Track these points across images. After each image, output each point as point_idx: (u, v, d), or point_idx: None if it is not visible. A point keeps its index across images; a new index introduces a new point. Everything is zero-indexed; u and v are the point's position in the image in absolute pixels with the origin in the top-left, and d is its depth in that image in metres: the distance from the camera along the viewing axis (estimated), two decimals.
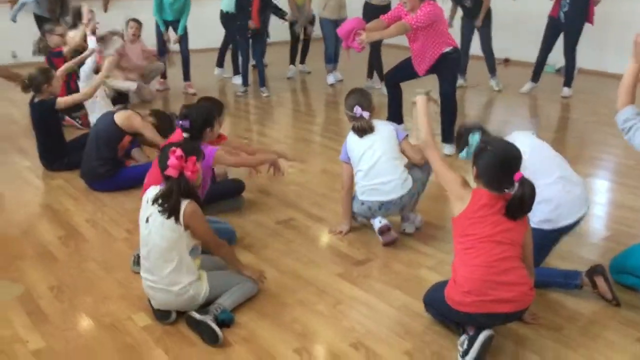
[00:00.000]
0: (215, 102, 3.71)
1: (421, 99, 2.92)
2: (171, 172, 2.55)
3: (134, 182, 4.14)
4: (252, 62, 7.61)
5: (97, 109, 5.14)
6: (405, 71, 5.10)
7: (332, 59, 7.85)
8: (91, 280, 3.06)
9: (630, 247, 2.95)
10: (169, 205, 2.53)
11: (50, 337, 2.59)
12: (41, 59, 6.53)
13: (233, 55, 7.94)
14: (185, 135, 3.30)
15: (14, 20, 7.60)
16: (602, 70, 8.08)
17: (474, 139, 2.81)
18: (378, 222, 3.40)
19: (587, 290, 2.82)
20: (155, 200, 2.58)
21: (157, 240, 2.58)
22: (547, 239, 2.91)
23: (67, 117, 5.67)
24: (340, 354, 2.50)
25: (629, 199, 4.10)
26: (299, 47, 8.36)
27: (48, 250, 3.39)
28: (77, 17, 6.33)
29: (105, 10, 9.30)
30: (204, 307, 2.66)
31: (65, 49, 5.78)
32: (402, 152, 3.48)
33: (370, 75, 7.49)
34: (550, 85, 7.32)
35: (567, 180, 2.90)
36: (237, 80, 7.64)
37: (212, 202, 3.76)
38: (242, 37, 7.15)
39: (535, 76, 7.15)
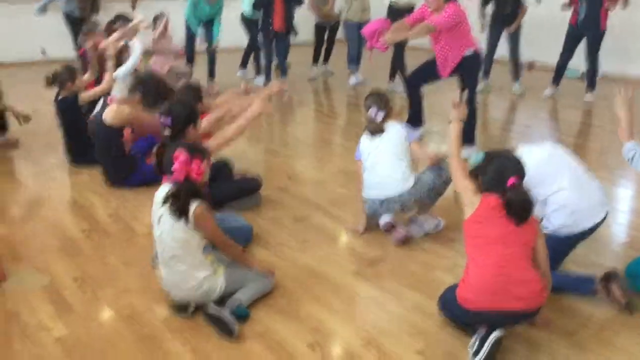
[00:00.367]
0: (193, 90, 3.77)
1: (456, 125, 2.96)
2: (177, 176, 2.58)
3: (155, 177, 4.22)
4: (274, 61, 7.69)
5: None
6: (428, 73, 5.12)
7: (354, 61, 7.91)
8: (113, 273, 3.16)
9: None
10: (177, 206, 2.58)
11: (73, 325, 2.69)
12: (69, 54, 6.72)
13: (256, 56, 8.03)
14: (166, 132, 3.19)
15: (40, 12, 7.74)
16: (626, 75, 8.00)
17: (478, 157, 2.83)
18: (382, 221, 3.50)
19: (602, 296, 2.83)
20: (165, 201, 2.63)
21: (168, 240, 2.64)
22: (564, 244, 2.93)
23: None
24: (353, 351, 2.55)
25: None
26: (322, 49, 8.43)
27: (73, 243, 3.50)
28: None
29: (134, 8, 9.45)
30: (221, 302, 2.72)
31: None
32: (413, 153, 3.57)
33: (392, 77, 7.52)
34: (574, 91, 7.28)
35: (583, 185, 2.91)
36: (259, 80, 7.72)
37: (230, 200, 3.86)
38: (265, 36, 7.24)
39: (556, 80, 7.13)
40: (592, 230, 2.90)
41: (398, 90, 7.10)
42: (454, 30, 4.65)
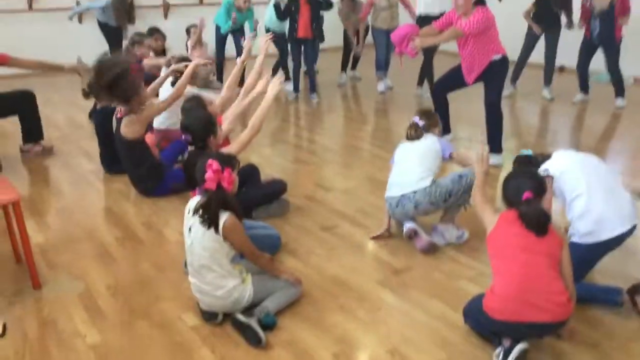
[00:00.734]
0: (197, 100, 3.96)
1: (480, 176, 2.90)
2: (209, 185, 2.66)
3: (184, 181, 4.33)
4: (303, 67, 7.77)
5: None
6: (454, 81, 5.13)
7: (382, 67, 7.94)
8: (145, 281, 3.26)
9: None
10: (208, 216, 2.66)
11: (106, 332, 2.79)
12: None
13: (282, 63, 8.12)
14: (190, 148, 3.36)
15: (71, 18, 7.95)
16: None
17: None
18: (405, 227, 3.56)
19: (628, 308, 2.82)
20: (196, 211, 2.71)
21: (199, 249, 2.72)
22: (589, 254, 2.91)
23: None
24: (377, 359, 2.59)
25: None
26: (351, 54, 8.49)
27: (107, 250, 3.61)
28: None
29: (166, 17, 9.66)
30: (249, 310, 2.79)
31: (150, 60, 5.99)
32: (459, 161, 3.69)
33: (420, 83, 7.53)
34: (604, 95, 7.18)
35: (612, 194, 2.90)
36: (289, 86, 7.81)
37: (258, 205, 3.94)
38: (293, 43, 7.32)
39: (584, 88, 7.07)
40: (618, 241, 2.87)
41: (425, 95, 7.12)
42: (482, 35, 4.65)
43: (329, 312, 2.93)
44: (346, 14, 8.13)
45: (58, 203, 4.39)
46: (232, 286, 2.76)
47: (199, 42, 7.22)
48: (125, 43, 6.78)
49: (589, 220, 2.84)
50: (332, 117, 6.94)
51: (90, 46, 8.55)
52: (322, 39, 7.68)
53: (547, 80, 7.33)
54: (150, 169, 4.36)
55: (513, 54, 7.32)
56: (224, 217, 2.67)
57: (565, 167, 2.94)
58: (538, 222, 2.48)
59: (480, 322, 2.62)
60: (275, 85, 3.66)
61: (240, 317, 2.73)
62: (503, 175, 4.50)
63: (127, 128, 4.28)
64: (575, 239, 2.91)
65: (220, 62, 7.85)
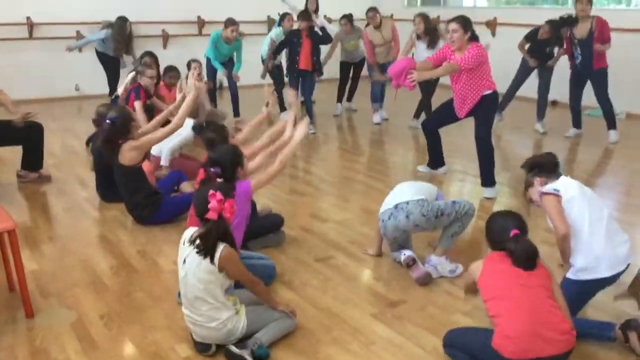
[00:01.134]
0: (218, 127, 3.99)
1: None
2: (212, 215, 2.68)
3: (180, 212, 4.36)
4: (300, 98, 7.85)
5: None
6: (445, 116, 5.21)
7: (378, 99, 8.05)
8: (139, 310, 3.24)
9: None
10: (206, 246, 2.67)
11: None
12: (101, 91, 6.97)
13: (278, 93, 8.21)
14: (219, 180, 3.35)
15: (71, 49, 8.05)
16: None
17: None
18: (403, 255, 3.57)
19: (621, 343, 2.82)
20: (192, 242, 2.72)
21: (193, 281, 2.72)
22: (583, 290, 2.94)
23: None
24: None
25: None
26: (347, 87, 8.59)
27: (101, 279, 3.60)
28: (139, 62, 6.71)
29: (165, 47, 9.77)
30: (242, 341, 2.78)
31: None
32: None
33: (417, 116, 7.61)
34: (597, 130, 7.26)
35: (611, 233, 2.93)
36: (285, 116, 7.86)
37: (254, 237, 3.94)
38: (291, 75, 7.42)
39: (576, 123, 7.16)
40: (612, 280, 2.92)
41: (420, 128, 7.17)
42: (475, 70, 4.73)
43: (322, 344, 2.92)
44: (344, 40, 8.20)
45: (53, 231, 4.39)
46: (226, 317, 2.75)
47: (198, 80, 7.29)
48: (125, 71, 6.88)
49: (588, 256, 2.87)
50: (328, 148, 6.99)
51: (88, 75, 8.69)
52: (321, 72, 7.79)
53: (540, 114, 7.43)
54: (147, 196, 4.38)
55: (505, 89, 7.48)
56: (220, 248, 2.68)
57: (572, 196, 2.92)
58: (528, 258, 2.53)
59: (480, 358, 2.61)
60: (302, 129, 3.73)
61: (234, 349, 2.72)
62: (497, 208, 4.57)
63: (125, 154, 4.30)
64: (570, 274, 2.93)
65: (213, 91, 7.92)
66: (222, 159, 3.36)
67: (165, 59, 7.19)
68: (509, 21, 9.14)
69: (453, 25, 4.71)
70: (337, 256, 3.93)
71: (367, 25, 7.91)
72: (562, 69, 7.19)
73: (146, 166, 4.63)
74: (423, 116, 7.31)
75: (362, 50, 8.23)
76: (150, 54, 6.94)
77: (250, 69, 9.59)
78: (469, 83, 4.81)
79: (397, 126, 7.83)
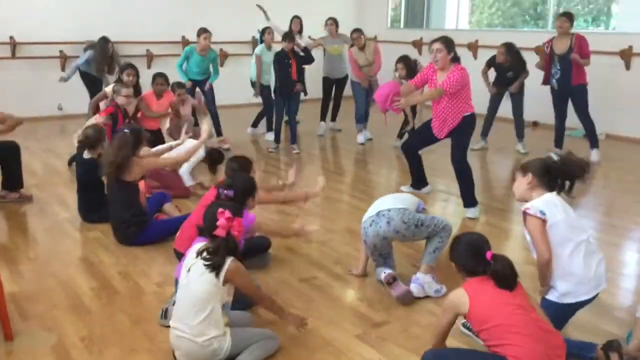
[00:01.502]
0: (245, 161, 3.98)
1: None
2: (220, 232, 2.75)
3: (165, 234, 4.34)
4: (285, 118, 7.88)
5: None
6: (424, 137, 5.30)
7: (362, 119, 8.10)
8: (120, 332, 3.20)
9: None
10: (214, 261, 2.72)
11: None
12: (84, 110, 6.96)
13: (268, 114, 8.23)
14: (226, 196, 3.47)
15: (65, 80, 8.07)
16: (632, 136, 8.12)
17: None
18: (383, 273, 3.58)
19: None
20: (200, 253, 2.76)
21: (195, 289, 2.74)
22: (565, 312, 2.97)
23: None
24: None
25: None
26: (330, 105, 8.65)
27: (81, 301, 3.55)
28: (121, 72, 6.79)
29: (149, 67, 9.77)
30: None
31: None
32: None
33: (400, 136, 7.67)
34: (579, 150, 7.34)
35: (590, 256, 2.95)
36: (270, 136, 7.89)
37: (240, 260, 3.91)
38: (280, 97, 7.45)
39: (558, 143, 7.25)
40: (592, 299, 2.96)
41: None
42: (457, 93, 4.79)
43: None
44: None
45: (33, 252, 4.33)
46: (214, 335, 2.73)
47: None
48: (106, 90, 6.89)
49: (571, 281, 2.89)
50: (312, 169, 7.00)
51: (71, 94, 8.65)
52: (305, 92, 7.84)
53: (519, 135, 7.52)
54: (136, 215, 4.38)
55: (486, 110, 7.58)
56: (228, 262, 2.75)
57: (557, 220, 2.89)
58: (512, 275, 2.50)
59: None
60: (316, 193, 4.29)
61: None
62: (480, 228, 4.60)
63: (130, 169, 4.34)
64: (552, 298, 2.95)
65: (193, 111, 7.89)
66: (237, 184, 3.46)
67: (150, 79, 7.17)
68: (490, 43, 9.28)
69: (437, 45, 4.78)
70: (321, 277, 3.92)
71: (352, 46, 8.00)
72: (541, 90, 7.30)
73: (141, 185, 4.62)
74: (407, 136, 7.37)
75: (345, 62, 8.30)
76: (130, 65, 6.94)
77: (235, 89, 9.73)
78: (450, 105, 4.87)
79: (381, 146, 7.88)
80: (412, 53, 10.46)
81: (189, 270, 2.80)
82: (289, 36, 7.36)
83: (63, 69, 9.30)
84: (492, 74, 7.52)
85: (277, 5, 8.32)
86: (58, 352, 2.99)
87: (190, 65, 7.60)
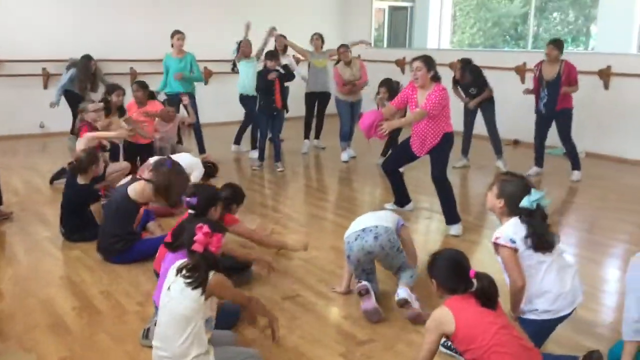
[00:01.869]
0: (237, 191, 4.14)
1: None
2: (197, 247, 2.72)
3: (149, 254, 4.30)
4: (268, 135, 7.89)
5: None
6: (403, 156, 5.35)
7: (346, 137, 8.14)
8: (101, 352, 3.16)
9: None
10: (196, 278, 2.68)
11: None
12: (66, 128, 6.90)
13: (252, 131, 8.24)
14: (190, 212, 3.51)
15: (57, 104, 8.07)
16: (612, 154, 8.25)
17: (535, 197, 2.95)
18: (358, 283, 3.59)
19: None
20: (179, 271, 2.72)
21: (176, 308, 2.69)
22: (545, 328, 2.99)
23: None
24: None
25: None
26: (313, 122, 8.69)
27: (62, 320, 3.51)
28: (108, 92, 6.75)
29: (132, 84, 9.75)
30: None
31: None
32: (399, 237, 3.77)
33: (384, 154, 7.70)
34: (560, 169, 7.45)
35: (564, 271, 2.98)
36: (254, 154, 7.89)
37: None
38: (263, 115, 7.46)
39: (538, 161, 7.33)
40: (569, 315, 2.98)
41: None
42: (438, 112, 4.85)
43: None
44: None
45: (13, 271, 4.27)
46: (196, 354, 2.68)
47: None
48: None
49: (548, 299, 2.91)
50: (296, 186, 7.01)
51: (53, 112, 8.59)
52: (287, 109, 7.88)
53: (498, 151, 7.59)
54: (128, 233, 4.37)
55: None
56: (210, 276, 2.71)
57: (526, 247, 2.91)
58: (495, 295, 2.51)
59: None
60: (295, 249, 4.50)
61: None
62: (463, 245, 4.62)
63: (140, 188, 4.33)
64: (532, 316, 2.96)
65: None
66: (201, 193, 3.51)
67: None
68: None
69: (417, 64, 4.84)
70: (305, 294, 3.91)
71: (338, 62, 8.08)
72: (522, 108, 7.41)
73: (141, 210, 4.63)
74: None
75: (329, 77, 8.36)
76: (119, 86, 6.92)
77: (219, 107, 9.74)
78: (430, 124, 4.92)
79: (365, 164, 7.92)
80: (395, 72, 10.60)
81: (169, 288, 2.76)
82: (271, 55, 7.39)
83: (46, 86, 9.27)
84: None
85: (262, 24, 8.37)
86: None
87: (170, 77, 7.68)
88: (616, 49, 9.36)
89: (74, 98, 8.07)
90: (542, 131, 7.18)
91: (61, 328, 3.41)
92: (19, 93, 9.15)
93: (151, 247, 4.33)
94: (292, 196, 6.60)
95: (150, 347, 2.85)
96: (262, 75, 7.34)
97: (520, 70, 9.18)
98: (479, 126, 7.63)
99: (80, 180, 4.78)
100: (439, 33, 12.40)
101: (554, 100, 6.84)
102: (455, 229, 5.06)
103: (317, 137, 8.91)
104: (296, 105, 8.65)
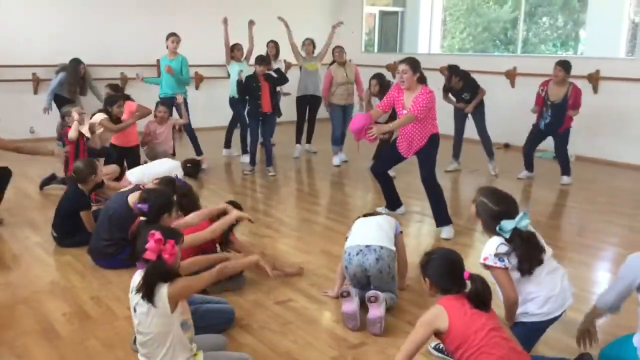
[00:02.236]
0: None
1: None
2: (149, 255, 2.59)
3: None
4: (260, 140, 7.89)
5: None
6: (390, 158, 5.39)
7: (338, 142, 8.16)
8: (92, 358, 3.14)
9: (622, 337, 2.99)
10: (146, 290, 2.55)
11: None
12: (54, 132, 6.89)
13: (242, 135, 8.25)
14: (142, 218, 3.36)
15: (50, 108, 8.07)
16: (601, 157, 8.31)
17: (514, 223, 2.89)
18: (368, 294, 3.49)
19: None
20: (138, 290, 2.60)
21: (148, 329, 2.62)
22: (535, 330, 3.00)
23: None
24: None
25: None
26: (304, 126, 8.70)
27: (53, 326, 3.48)
28: (108, 102, 6.72)
29: (124, 90, 9.73)
30: None
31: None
32: (395, 245, 3.77)
33: (376, 158, 7.72)
34: (549, 172, 7.50)
35: (552, 274, 2.99)
36: (246, 159, 7.89)
37: (214, 283, 3.88)
38: (253, 119, 7.46)
39: (528, 167, 7.37)
40: (559, 317, 2.99)
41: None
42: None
43: None
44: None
45: (2, 276, 4.24)
46: None
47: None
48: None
49: (539, 301, 2.93)
50: (288, 191, 7.01)
51: (42, 117, 8.57)
52: (280, 113, 7.88)
53: (489, 155, 7.61)
54: (123, 239, 4.31)
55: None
56: (164, 287, 2.57)
57: (515, 263, 2.90)
58: (489, 297, 2.50)
59: None
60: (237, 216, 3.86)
61: None
62: (457, 249, 4.63)
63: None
64: (523, 319, 2.97)
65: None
66: (152, 199, 3.38)
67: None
68: (461, 68, 9.44)
69: (403, 67, 4.89)
70: (297, 298, 3.90)
71: (333, 62, 8.11)
72: (512, 111, 7.44)
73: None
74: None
75: (320, 81, 8.38)
76: (119, 98, 6.89)
77: (210, 111, 9.73)
78: (417, 126, 4.96)
79: (356, 168, 7.93)
80: (386, 76, 10.60)
81: (135, 309, 2.65)
82: (262, 60, 7.39)
83: (36, 92, 9.24)
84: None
85: (254, 29, 8.38)
86: None
87: (163, 81, 7.74)
88: (605, 53, 9.46)
89: (63, 102, 8.05)
90: (535, 143, 7.22)
91: (51, 334, 3.39)
92: (9, 98, 9.10)
93: None
94: (283, 200, 6.60)
95: None
96: (247, 80, 7.34)
97: (510, 75, 9.23)
98: (470, 130, 7.66)
99: (82, 187, 4.81)
100: (430, 38, 12.47)
101: (558, 122, 6.86)
102: (447, 232, 5.08)
103: (308, 141, 8.92)
104: (287, 110, 8.66)
